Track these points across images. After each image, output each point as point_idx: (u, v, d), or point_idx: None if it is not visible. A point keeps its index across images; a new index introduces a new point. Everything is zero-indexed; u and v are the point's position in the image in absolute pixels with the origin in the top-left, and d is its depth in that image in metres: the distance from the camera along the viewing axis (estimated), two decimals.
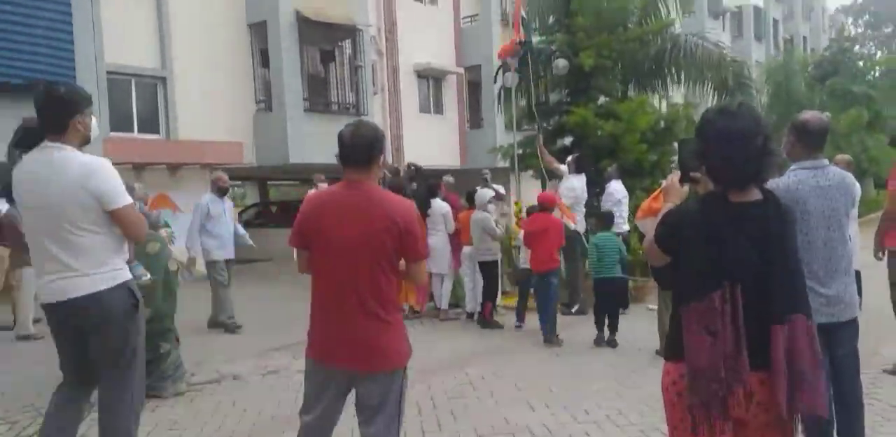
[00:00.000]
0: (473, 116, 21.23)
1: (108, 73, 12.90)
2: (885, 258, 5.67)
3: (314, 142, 15.05)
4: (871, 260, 5.92)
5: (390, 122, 18.84)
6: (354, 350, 2.68)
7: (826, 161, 3.31)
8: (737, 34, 36.20)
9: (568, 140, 9.77)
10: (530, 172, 9.64)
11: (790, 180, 3.23)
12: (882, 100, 21.24)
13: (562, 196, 7.57)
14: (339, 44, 16.36)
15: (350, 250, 2.65)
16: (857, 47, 34.70)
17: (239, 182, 34.76)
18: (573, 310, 8.12)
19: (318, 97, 15.70)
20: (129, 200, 3.01)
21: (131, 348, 3.07)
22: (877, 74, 26.63)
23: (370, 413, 2.73)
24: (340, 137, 2.75)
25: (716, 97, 10.86)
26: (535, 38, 9.59)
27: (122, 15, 13.01)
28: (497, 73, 9.33)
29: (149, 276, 4.17)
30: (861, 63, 24.70)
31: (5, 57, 10.26)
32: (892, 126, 21.80)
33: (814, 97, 20.04)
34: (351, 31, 15.97)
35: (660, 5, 10.40)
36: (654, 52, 10.04)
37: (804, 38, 44.43)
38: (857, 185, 3.61)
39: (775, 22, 41.34)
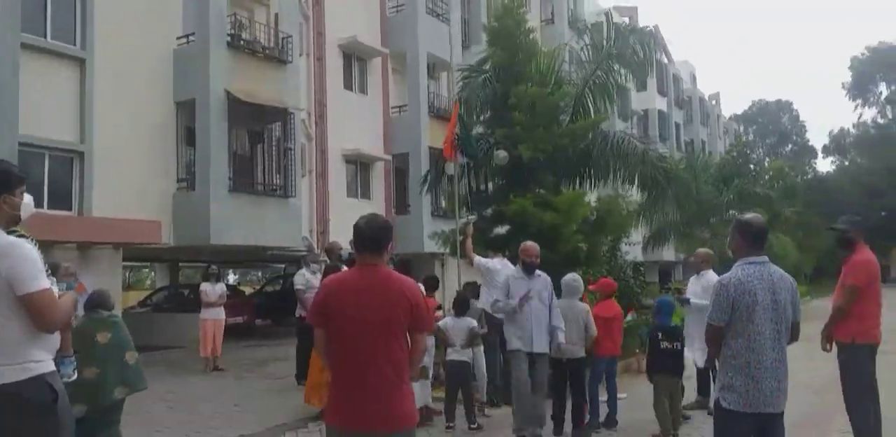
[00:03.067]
0: (399, 203, 21.32)
1: (21, 144, 12.24)
2: (834, 351, 5.76)
3: (238, 223, 14.57)
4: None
5: (317, 205, 18.64)
6: (376, 414, 2.99)
7: (766, 258, 3.63)
8: (643, 136, 38.68)
9: (504, 229, 9.82)
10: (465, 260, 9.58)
11: (741, 274, 3.55)
12: (778, 201, 22.92)
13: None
14: (269, 126, 16.27)
15: (372, 326, 3.00)
16: (750, 153, 37.63)
17: (147, 263, 33.22)
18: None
19: (244, 178, 15.37)
20: (43, 285, 2.74)
21: None
22: (767, 177, 28.90)
23: None
24: (357, 226, 3.24)
25: (643, 190, 11.31)
26: (473, 131, 9.87)
27: (41, 86, 12.50)
28: (436, 162, 9.41)
29: (74, 376, 3.71)
30: (752, 167, 26.62)
31: None
32: (789, 225, 23.45)
33: (721, 197, 21.31)
34: (282, 114, 15.96)
35: (587, 104, 10.93)
36: (584, 146, 10.43)
37: (703, 141, 48.03)
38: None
39: (677, 126, 44.63)
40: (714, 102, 55.79)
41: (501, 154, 9.24)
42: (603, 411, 6.96)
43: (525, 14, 10.83)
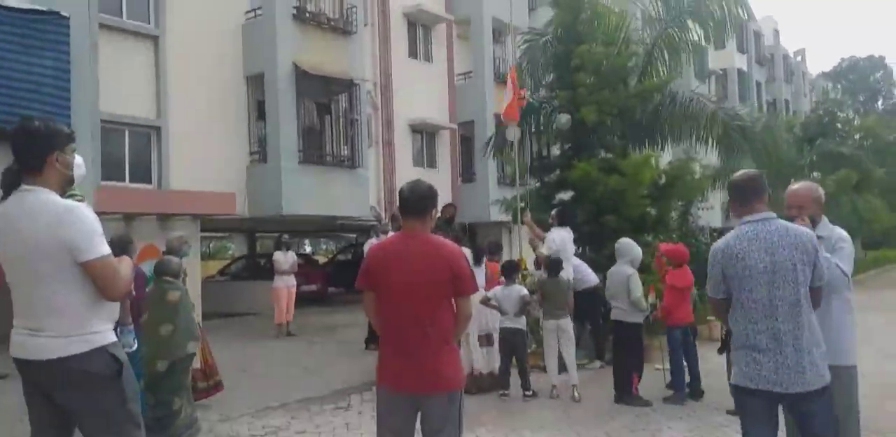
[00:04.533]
0: (466, 171, 21.27)
1: (102, 121, 12.81)
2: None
3: (308, 193, 14.90)
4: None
5: (384, 175, 18.82)
6: (421, 376, 3.07)
7: (773, 214, 3.19)
8: (722, 96, 37.06)
9: (568, 195, 9.66)
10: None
11: (731, 236, 3.21)
12: (869, 161, 21.57)
13: (546, 248, 7.46)
14: (336, 97, 16.44)
15: (415, 289, 3.08)
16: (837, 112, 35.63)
17: (226, 234, 34.55)
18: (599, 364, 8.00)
19: (313, 149, 15.65)
20: (104, 251, 2.64)
21: (116, 422, 2.65)
22: (857, 137, 27.30)
23: (433, 433, 3.09)
24: (401, 192, 3.27)
25: (718, 152, 10.85)
26: (531, 95, 9.65)
27: (118, 64, 12.99)
28: (497, 128, 9.30)
29: (136, 346, 3.91)
30: (839, 126, 25.17)
31: (4, 103, 10.17)
32: (880, 187, 22.08)
33: (803, 158, 20.29)
34: (347, 85, 16.07)
35: (658, 65, 10.51)
36: (652, 108, 10.06)
37: (786, 101, 45.65)
38: (830, 238, 3.45)
39: (758, 85, 42.49)
40: (799, 59, 52.80)
41: (564, 118, 9.03)
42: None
43: None
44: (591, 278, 8.32)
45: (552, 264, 6.98)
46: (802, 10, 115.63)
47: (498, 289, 7.08)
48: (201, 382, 6.16)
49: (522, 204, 8.98)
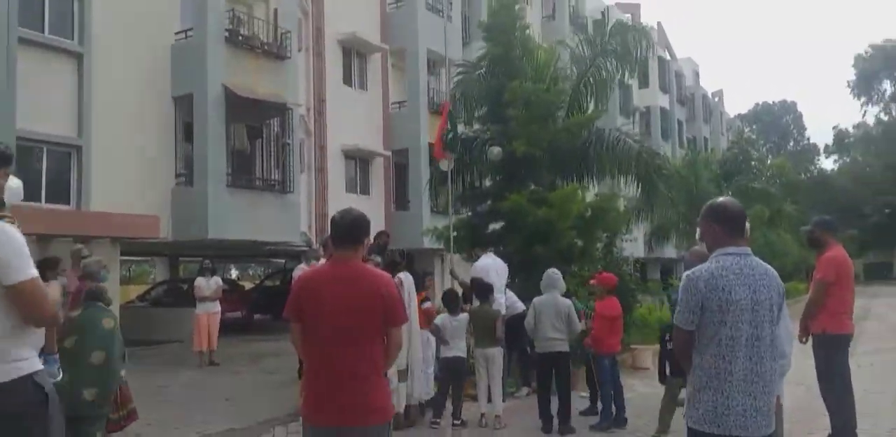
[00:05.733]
0: (400, 199, 21.32)
1: (18, 139, 12.24)
2: (810, 343, 5.87)
3: (236, 217, 14.59)
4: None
5: (316, 201, 18.65)
6: (348, 408, 2.98)
7: (749, 249, 3.06)
8: (646, 133, 38.61)
9: (500, 225, 9.82)
10: (462, 255, 9.55)
11: (714, 266, 2.95)
12: (779, 198, 22.88)
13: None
14: (268, 121, 16.29)
15: (344, 319, 3.00)
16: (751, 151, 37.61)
17: (148, 257, 33.27)
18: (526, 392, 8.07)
19: (242, 173, 15.39)
20: (32, 273, 2.52)
21: None
22: (768, 174, 28.98)
23: None
24: (333, 219, 3.23)
25: (638, 187, 11.29)
26: (465, 127, 9.84)
27: (38, 81, 12.50)
28: (431, 159, 9.42)
29: (60, 376, 3.73)
30: (753, 163, 26.55)
31: None
32: (790, 222, 23.37)
33: (721, 193, 21.28)
34: (280, 110, 15.94)
35: (583, 101, 10.91)
36: (580, 143, 10.40)
37: (705, 139, 47.92)
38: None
39: (680, 123, 44.51)
40: (717, 100, 55.64)
41: (495, 150, 9.23)
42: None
43: (522, 10, 10.80)
44: (519, 305, 8.42)
45: (480, 289, 7.04)
46: (720, 53, 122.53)
47: (445, 317, 7.07)
48: (113, 413, 5.88)
49: (455, 233, 9.05)
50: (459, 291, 7.78)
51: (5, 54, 11.92)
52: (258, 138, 16.36)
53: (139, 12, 14.22)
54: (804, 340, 5.96)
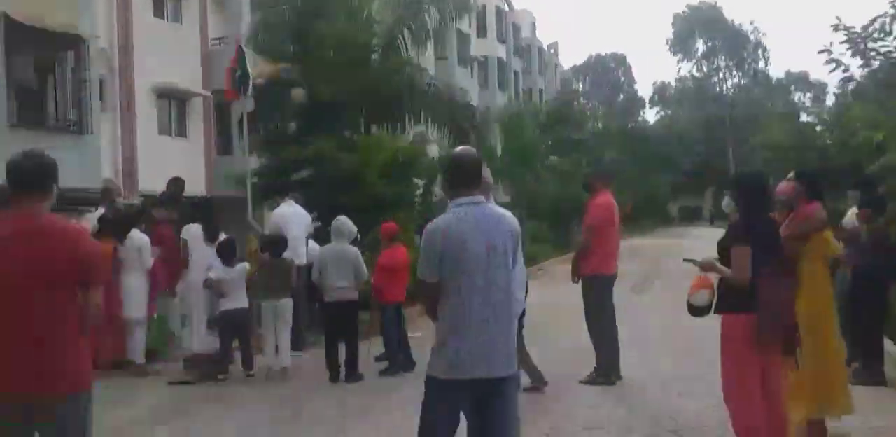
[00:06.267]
0: (223, 142, 20.14)
1: None
2: (581, 284, 6.23)
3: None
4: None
5: (122, 143, 17.17)
6: (30, 376, 2.64)
7: (482, 198, 3.11)
8: (483, 83, 39.19)
9: (306, 173, 9.49)
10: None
11: (451, 217, 3.00)
12: (597, 147, 24.32)
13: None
14: (61, 54, 14.54)
15: (20, 279, 2.63)
16: (582, 101, 39.39)
17: None
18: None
19: (28, 112, 13.74)
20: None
21: None
22: (600, 124, 30.67)
23: None
24: (9, 163, 2.74)
25: (451, 137, 11.37)
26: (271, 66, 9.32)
27: None
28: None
29: None
30: (576, 115, 27.86)
31: None
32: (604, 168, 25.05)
33: (542, 142, 22.19)
34: (74, 41, 14.27)
35: (400, 46, 10.67)
36: (394, 90, 10.19)
37: (540, 90, 49.56)
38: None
39: (516, 74, 45.59)
40: (553, 51, 57.48)
41: (297, 92, 8.81)
42: None
43: None
44: None
45: (272, 243, 6.80)
46: (556, 4, 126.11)
47: (220, 270, 6.73)
48: None
49: (255, 180, 8.63)
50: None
51: None
52: (49, 73, 14.61)
53: None
54: (575, 280, 6.33)
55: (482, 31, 39.88)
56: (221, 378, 6.56)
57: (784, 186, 4.82)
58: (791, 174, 4.91)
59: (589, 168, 5.70)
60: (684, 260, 4.42)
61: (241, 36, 9.01)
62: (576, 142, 22.54)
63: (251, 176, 8.73)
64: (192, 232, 6.99)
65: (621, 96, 68.73)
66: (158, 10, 18.51)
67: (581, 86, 65.59)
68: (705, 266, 4.20)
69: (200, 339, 6.77)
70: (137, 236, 6.93)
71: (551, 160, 22.93)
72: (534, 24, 51.32)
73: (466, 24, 36.15)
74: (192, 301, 6.89)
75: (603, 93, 65.93)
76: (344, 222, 6.75)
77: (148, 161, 17.10)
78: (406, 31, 10.62)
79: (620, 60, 70.78)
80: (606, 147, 26.50)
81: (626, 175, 31.05)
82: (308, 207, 8.26)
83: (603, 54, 70.59)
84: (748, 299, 3.89)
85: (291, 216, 7.67)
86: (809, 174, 5.01)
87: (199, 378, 6.52)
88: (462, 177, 3.06)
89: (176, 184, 8.27)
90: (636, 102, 68.31)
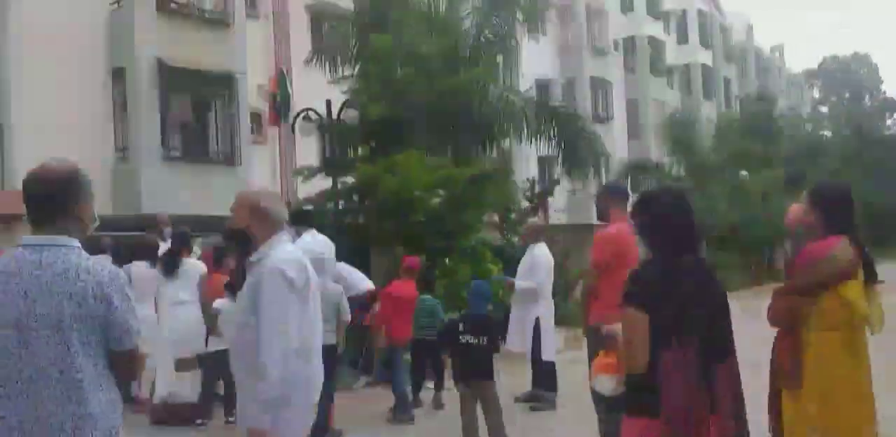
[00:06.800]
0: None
1: None
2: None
3: (171, 192, 14.13)
4: None
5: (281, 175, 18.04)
6: None
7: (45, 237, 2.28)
8: (685, 91, 36.20)
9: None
10: None
11: None
12: (792, 160, 20.75)
13: None
14: (218, 92, 15.69)
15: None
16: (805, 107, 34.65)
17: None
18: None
19: (182, 146, 14.98)
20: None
21: None
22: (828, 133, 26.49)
23: None
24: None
25: (558, 152, 10.10)
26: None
27: None
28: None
29: None
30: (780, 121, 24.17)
31: None
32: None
33: (722, 154, 19.53)
34: (226, 80, 15.31)
35: (479, 57, 9.68)
36: (464, 105, 9.17)
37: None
38: None
39: (727, 80, 41.53)
40: (777, 55, 51.82)
41: (351, 114, 8.29)
42: None
43: None
44: (362, 285, 7.55)
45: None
46: (780, 6, 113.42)
47: (225, 303, 6.30)
48: None
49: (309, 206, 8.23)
50: None
51: None
52: (208, 110, 15.83)
53: None
54: (584, 333, 4.94)
55: (682, 37, 37.05)
56: (200, 423, 6.10)
57: (793, 213, 3.28)
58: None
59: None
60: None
61: (285, 59, 8.65)
62: (764, 156, 19.42)
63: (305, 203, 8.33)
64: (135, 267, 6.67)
65: (867, 100, 59.78)
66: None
67: (815, 91, 58.29)
68: (608, 338, 2.86)
69: (168, 384, 6.29)
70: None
71: (742, 176, 19.99)
72: (750, 27, 46.59)
73: (661, 30, 33.82)
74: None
75: (844, 97, 57.94)
76: (323, 252, 5.98)
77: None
78: (482, 41, 9.60)
79: (863, 60, 61.80)
80: (831, 158, 22.47)
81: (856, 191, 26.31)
82: (350, 236, 7.64)
83: (840, 55, 62.15)
84: (648, 396, 2.50)
85: (311, 244, 7.06)
86: (828, 192, 3.28)
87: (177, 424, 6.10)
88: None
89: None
90: (887, 105, 58.92)
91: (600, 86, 28.50)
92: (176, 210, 14.37)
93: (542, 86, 25.88)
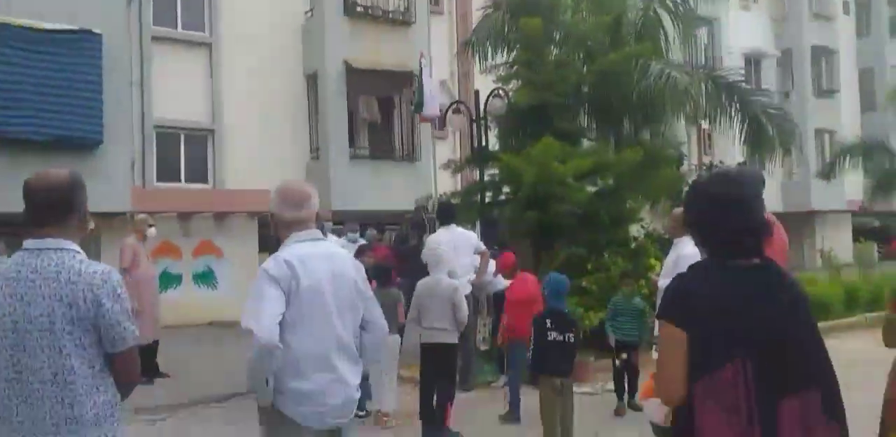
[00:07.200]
0: None
1: (157, 127, 13.90)
2: None
3: (358, 188, 14.85)
4: None
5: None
6: None
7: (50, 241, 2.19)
8: None
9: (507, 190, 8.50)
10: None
11: None
12: None
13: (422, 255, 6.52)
14: (400, 90, 16.19)
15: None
16: None
17: None
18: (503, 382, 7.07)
19: (369, 144, 15.71)
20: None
21: None
22: None
23: None
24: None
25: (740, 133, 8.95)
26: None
27: (173, 72, 13.89)
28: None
29: None
30: None
31: (39, 117, 11.40)
32: None
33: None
34: (408, 78, 15.72)
35: (648, 34, 8.81)
36: (640, 86, 8.39)
37: None
38: None
39: None
40: None
41: (496, 103, 7.94)
42: None
43: None
44: (499, 283, 7.24)
45: (378, 272, 6.17)
46: None
47: None
48: None
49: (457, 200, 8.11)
50: None
51: (139, 54, 13.52)
52: (392, 108, 16.40)
53: None
54: None
55: None
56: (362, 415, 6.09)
57: None
58: None
59: None
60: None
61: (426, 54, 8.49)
62: None
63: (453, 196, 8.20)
64: None
65: None
66: None
67: None
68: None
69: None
70: None
71: None
72: None
73: None
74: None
75: None
76: (434, 249, 5.76)
77: None
78: (651, 15, 8.72)
79: None
80: None
81: None
82: (495, 227, 7.38)
83: None
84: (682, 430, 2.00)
85: (445, 241, 6.88)
86: None
87: None
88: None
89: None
90: None
91: (823, 55, 25.13)
92: (361, 206, 15.19)
93: (754, 60, 23.50)
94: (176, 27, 14.38)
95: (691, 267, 2.12)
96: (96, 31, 11.94)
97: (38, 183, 2.27)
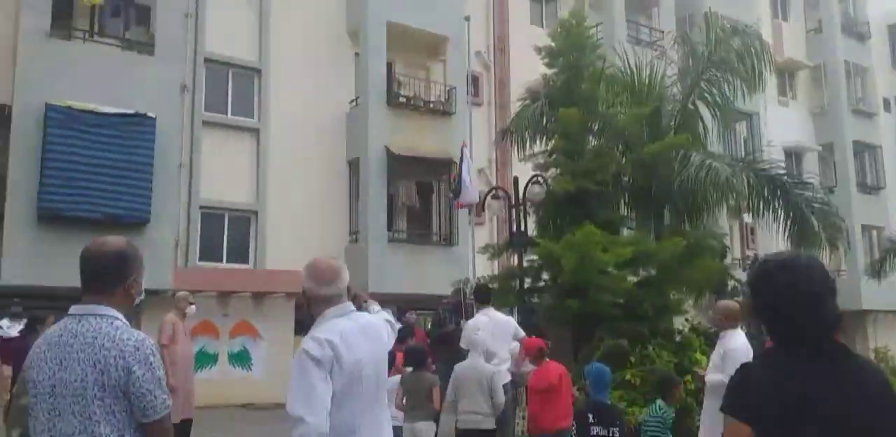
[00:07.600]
0: None
1: (202, 207, 14.27)
2: None
3: (394, 271, 14.85)
4: None
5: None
6: None
7: (99, 307, 2.19)
8: None
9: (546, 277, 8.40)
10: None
11: None
12: None
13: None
14: (440, 176, 16.48)
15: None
16: None
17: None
18: None
19: (407, 228, 15.82)
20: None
21: None
22: None
23: None
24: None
25: (784, 226, 8.79)
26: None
27: (221, 155, 14.41)
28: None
29: None
30: None
31: (92, 196, 11.86)
32: None
33: None
34: (446, 165, 16.06)
35: (691, 123, 8.91)
36: (680, 176, 8.41)
37: None
38: None
39: None
40: None
41: (534, 190, 8.00)
42: None
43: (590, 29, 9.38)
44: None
45: (411, 355, 6.02)
46: None
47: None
48: None
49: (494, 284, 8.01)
50: None
51: (190, 138, 14.13)
52: (431, 193, 16.64)
53: (318, 86, 15.67)
54: None
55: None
56: None
57: None
58: None
59: None
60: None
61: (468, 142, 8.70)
62: None
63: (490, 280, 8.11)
64: None
65: None
66: None
67: None
68: None
69: None
70: None
71: None
72: None
73: None
74: None
75: None
76: (475, 330, 5.62)
77: None
78: (691, 107, 8.85)
79: None
80: None
81: None
82: (533, 314, 7.23)
83: None
84: None
85: (483, 325, 6.74)
86: None
87: None
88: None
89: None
90: None
91: (866, 150, 25.03)
92: (397, 289, 15.11)
93: (795, 154, 23.49)
94: (226, 113, 15.05)
95: (759, 356, 2.02)
96: (151, 115, 12.62)
97: (93, 249, 2.29)
